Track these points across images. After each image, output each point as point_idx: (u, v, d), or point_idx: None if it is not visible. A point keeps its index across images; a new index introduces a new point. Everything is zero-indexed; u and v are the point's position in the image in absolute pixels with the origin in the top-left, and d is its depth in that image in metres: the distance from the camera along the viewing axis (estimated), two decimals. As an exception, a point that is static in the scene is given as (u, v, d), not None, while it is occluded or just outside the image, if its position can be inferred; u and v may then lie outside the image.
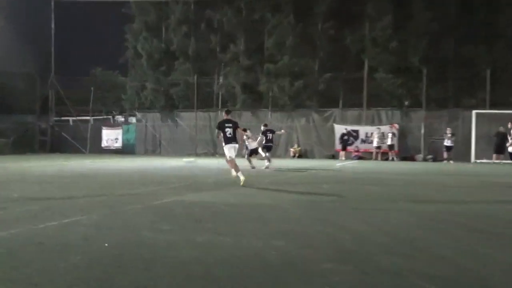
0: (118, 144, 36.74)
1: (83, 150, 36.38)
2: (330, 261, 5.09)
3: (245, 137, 20.58)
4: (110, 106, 42.42)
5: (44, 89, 37.93)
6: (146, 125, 36.43)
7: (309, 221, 7.55)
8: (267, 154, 21.06)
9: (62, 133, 37.74)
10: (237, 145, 14.14)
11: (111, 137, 37.23)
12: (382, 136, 29.85)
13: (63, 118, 40.28)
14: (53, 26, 38.44)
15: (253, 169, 19.16)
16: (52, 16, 38.23)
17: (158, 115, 36.47)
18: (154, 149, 36.05)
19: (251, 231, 6.69)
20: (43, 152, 36.12)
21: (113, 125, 38.10)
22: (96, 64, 47.70)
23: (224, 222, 7.47)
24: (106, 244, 5.76)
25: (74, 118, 39.06)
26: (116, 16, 37.74)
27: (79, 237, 6.17)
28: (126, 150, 36.02)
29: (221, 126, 14.03)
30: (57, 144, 37.71)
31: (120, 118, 39.79)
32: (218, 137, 14.39)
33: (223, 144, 14.11)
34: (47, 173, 17.62)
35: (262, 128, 21.92)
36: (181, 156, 30.58)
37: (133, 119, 38.10)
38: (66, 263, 4.97)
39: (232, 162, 13.88)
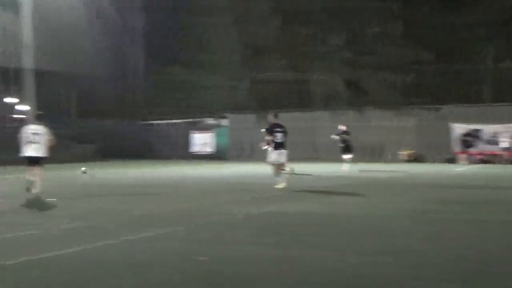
0: (210, 149, 37.54)
1: (172, 155, 37.50)
2: (451, 282, 4.91)
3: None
4: (200, 108, 43.51)
5: (131, 93, 39.61)
6: (238, 128, 36.92)
7: (420, 235, 7.33)
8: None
9: (150, 138, 39.14)
10: (286, 151, 14.64)
11: (201, 141, 38.13)
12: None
13: (150, 122, 41.82)
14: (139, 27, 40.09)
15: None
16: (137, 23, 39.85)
17: (251, 116, 36.84)
18: (247, 153, 36.48)
19: (352, 245, 6.61)
20: (130, 158, 37.64)
21: (204, 128, 38.96)
22: (182, 64, 49.21)
23: (322, 235, 7.45)
24: (201, 258, 5.91)
25: (162, 122, 40.39)
26: (201, 11, 38.64)
27: (170, 252, 6.37)
28: (217, 155, 36.67)
29: (271, 131, 14.49)
30: (144, 149, 39.10)
31: (211, 121, 40.63)
32: (267, 142, 14.80)
33: (271, 149, 14.58)
34: (134, 181, 18.38)
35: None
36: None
37: (224, 122, 38.77)
38: (157, 279, 5.14)
39: (278, 167, 14.53)
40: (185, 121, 39.87)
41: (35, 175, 13.03)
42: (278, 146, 14.45)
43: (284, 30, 36.82)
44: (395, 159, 31.25)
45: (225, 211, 9.97)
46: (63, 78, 36.30)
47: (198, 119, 39.78)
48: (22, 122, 16.00)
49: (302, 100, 35.79)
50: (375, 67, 32.88)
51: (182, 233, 7.75)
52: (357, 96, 34.21)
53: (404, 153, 31.30)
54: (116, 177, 20.76)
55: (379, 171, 21.65)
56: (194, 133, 38.53)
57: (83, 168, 21.51)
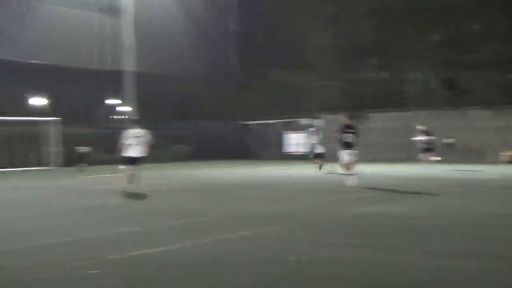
0: (303, 149, 37.67)
1: (266, 156, 37.97)
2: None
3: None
4: (293, 109, 43.67)
5: (225, 93, 40.36)
6: (332, 128, 36.77)
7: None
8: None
9: (245, 138, 39.82)
10: (356, 151, 15.59)
11: (295, 141, 38.36)
12: None
13: (245, 122, 42.41)
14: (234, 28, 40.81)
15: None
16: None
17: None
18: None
19: (440, 247, 6.64)
20: (225, 158, 38.42)
21: (297, 129, 39.14)
22: (274, 64, 49.52)
23: (411, 237, 7.54)
24: (290, 258, 6.16)
25: (256, 122, 40.89)
26: (292, 10, 38.78)
27: (263, 251, 6.68)
28: (311, 155, 36.72)
29: (342, 131, 15.47)
30: (239, 150, 39.76)
31: (304, 121, 40.69)
32: (337, 141, 15.79)
33: (341, 148, 15.48)
34: (231, 181, 18.90)
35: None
36: (370, 162, 30.43)
37: (318, 122, 38.70)
38: (246, 278, 5.43)
39: (346, 165, 15.48)
40: (279, 121, 40.23)
41: (133, 173, 14.93)
42: (348, 146, 15.41)
43: (379, 29, 36.31)
44: (496, 161, 30.07)
45: (315, 212, 10.18)
46: (161, 80, 37.59)
47: (292, 119, 39.91)
48: (124, 123, 17.05)
49: (397, 100, 35.14)
50: (475, 65, 31.75)
51: (276, 233, 8.03)
52: (455, 96, 33.17)
53: (506, 154, 30.01)
54: (213, 176, 21.42)
55: (473, 171, 20.98)
56: (288, 133, 38.85)
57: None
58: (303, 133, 38.16)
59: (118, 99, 36.50)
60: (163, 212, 10.55)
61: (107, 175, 22.53)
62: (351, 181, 15.13)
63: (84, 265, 5.99)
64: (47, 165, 28.08)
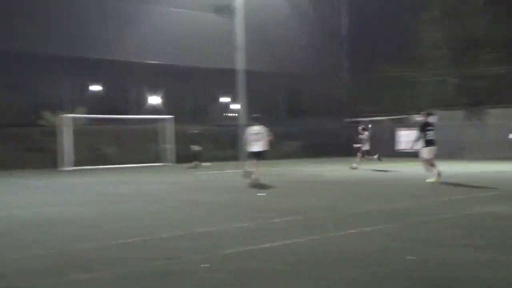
0: (416, 147, 36.65)
1: (377, 153, 37.27)
2: None
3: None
4: (405, 105, 42.62)
5: (336, 89, 40.08)
6: (447, 125, 35.53)
7: None
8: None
9: (355, 135, 39.28)
10: (436, 147, 16.52)
11: (407, 139, 37.40)
12: None
13: (356, 119, 41.92)
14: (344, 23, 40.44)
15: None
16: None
17: (459, 113, 35.26)
18: (455, 151, 34.86)
19: None
20: (335, 155, 38.18)
21: (409, 125, 38.17)
22: (386, 59, 48.51)
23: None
24: (409, 257, 5.95)
25: (367, 119, 40.30)
26: (405, 3, 37.72)
27: (377, 249, 6.49)
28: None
29: (423, 129, 16.27)
30: (349, 147, 39.36)
31: (417, 118, 39.60)
32: (416, 140, 16.78)
33: (423, 145, 16.22)
34: (342, 178, 18.72)
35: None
36: (487, 161, 29.05)
37: (431, 119, 37.56)
38: (363, 275, 5.30)
39: (429, 161, 16.14)
40: (390, 118, 39.46)
41: (255, 167, 16.08)
42: (429, 143, 16.17)
43: (498, 22, 34.55)
44: None
45: (433, 211, 9.81)
46: (272, 78, 37.95)
47: (404, 116, 38.98)
48: (247, 121, 17.80)
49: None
50: None
51: (392, 231, 7.83)
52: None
53: None
54: (324, 174, 21.31)
55: None
56: (400, 130, 37.98)
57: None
58: (415, 130, 37.14)
59: (231, 97, 37.27)
60: (277, 208, 10.57)
61: (221, 171, 23.08)
62: (432, 178, 15.74)
63: (197, 258, 6.09)
64: (161, 161, 29.15)
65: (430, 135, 16.29)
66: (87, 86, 39.42)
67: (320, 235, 7.49)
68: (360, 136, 24.73)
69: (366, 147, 24.57)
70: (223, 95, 40.59)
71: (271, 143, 16.66)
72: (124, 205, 11.78)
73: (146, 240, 7.35)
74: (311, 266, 5.71)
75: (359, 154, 24.65)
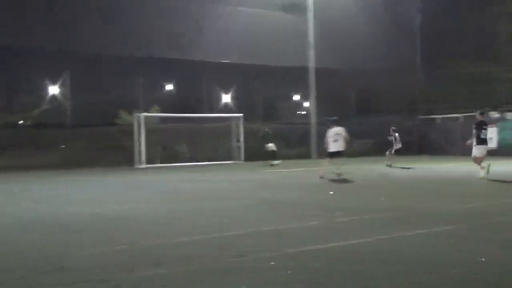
0: (493, 144, 35.38)
1: (452, 151, 36.31)
2: None
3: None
4: (484, 102, 41.25)
5: (409, 86, 39.26)
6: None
7: None
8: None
9: (429, 133, 38.40)
10: (487, 146, 17.44)
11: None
12: None
13: (430, 116, 40.94)
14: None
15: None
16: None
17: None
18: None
19: None
20: (409, 154, 37.41)
21: (487, 122, 36.89)
22: (460, 55, 47.05)
23: None
24: (483, 259, 5.81)
25: (441, 116, 39.31)
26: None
27: (455, 249, 6.36)
28: (502, 151, 34.45)
29: (478, 128, 16.70)
30: (424, 145, 38.52)
31: (495, 115, 38.28)
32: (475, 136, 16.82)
33: (474, 144, 16.71)
34: (423, 177, 18.38)
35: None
36: None
37: (510, 116, 36.21)
38: (431, 278, 5.20)
39: (478, 159, 16.61)
40: (465, 115, 38.20)
41: (337, 164, 17.62)
42: (482, 142, 16.73)
43: None
44: None
45: (502, 211, 9.50)
46: (343, 75, 37.66)
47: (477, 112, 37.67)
48: (330, 122, 18.21)
49: None
50: None
51: (462, 232, 7.64)
52: None
53: None
54: (396, 172, 20.98)
55: None
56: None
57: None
58: (492, 127, 35.89)
59: (301, 95, 37.21)
60: (345, 207, 10.51)
61: (291, 169, 23.12)
62: (482, 174, 16.18)
63: (264, 257, 6.16)
64: (232, 159, 29.41)
65: (484, 134, 16.85)
66: (161, 86, 40.41)
67: (384, 235, 7.40)
68: (390, 137, 24.97)
69: (397, 146, 25.31)
70: (294, 93, 40.59)
71: (348, 143, 18.26)
72: (194, 202, 12.01)
73: (215, 238, 7.50)
74: (379, 266, 5.66)
75: (388, 153, 25.63)
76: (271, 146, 26.91)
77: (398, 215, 9.35)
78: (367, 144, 36.53)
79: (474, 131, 16.96)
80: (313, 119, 33.34)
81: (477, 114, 17.96)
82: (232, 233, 7.83)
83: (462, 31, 38.05)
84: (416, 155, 35.45)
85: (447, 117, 38.78)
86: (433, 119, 40.64)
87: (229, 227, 8.31)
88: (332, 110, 34.73)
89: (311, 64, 34.22)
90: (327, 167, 17.69)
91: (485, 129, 17.00)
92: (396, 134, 25.55)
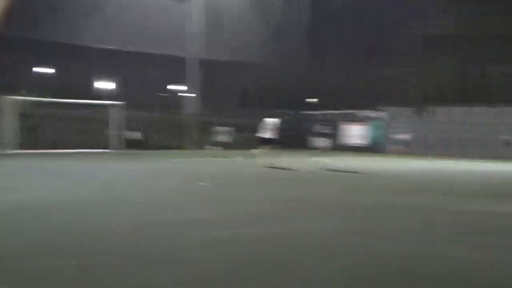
0: (363, 141, 37.12)
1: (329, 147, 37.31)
2: None
3: None
4: (358, 100, 42.87)
5: (294, 81, 39.62)
6: (396, 122, 36.00)
7: None
8: None
9: (302, 129, 39.17)
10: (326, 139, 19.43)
11: (355, 133, 37.71)
12: None
13: (307, 112, 42.02)
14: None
15: None
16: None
17: (408, 110, 35.62)
18: (403, 147, 35.24)
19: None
20: (292, 148, 38.03)
21: (359, 120, 38.46)
22: (342, 53, 48.80)
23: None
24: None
25: (317, 112, 40.44)
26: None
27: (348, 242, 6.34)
28: (371, 148, 36.15)
29: (319, 123, 19.94)
30: (305, 139, 39.26)
31: (368, 113, 40.02)
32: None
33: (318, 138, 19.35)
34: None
35: None
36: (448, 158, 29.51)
37: (381, 115, 38.01)
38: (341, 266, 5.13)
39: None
40: (339, 113, 39.40)
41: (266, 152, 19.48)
42: (320, 135, 19.62)
43: (460, 21, 35.18)
44: None
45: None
46: (232, 67, 37.60)
47: (353, 111, 39.14)
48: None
49: (479, 94, 33.57)
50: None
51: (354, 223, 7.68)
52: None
53: None
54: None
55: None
56: (348, 124, 38.08)
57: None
58: (363, 125, 37.51)
59: (183, 85, 36.68)
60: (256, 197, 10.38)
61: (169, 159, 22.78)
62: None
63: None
64: (109, 147, 28.44)
65: (321, 128, 19.81)
66: (36, 69, 38.21)
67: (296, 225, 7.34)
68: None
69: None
70: (178, 83, 39.97)
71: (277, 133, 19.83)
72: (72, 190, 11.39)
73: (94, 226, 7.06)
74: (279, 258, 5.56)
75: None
76: (134, 134, 26.06)
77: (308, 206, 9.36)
78: (247, 137, 36.48)
79: (317, 126, 19.39)
80: (193, 110, 33.07)
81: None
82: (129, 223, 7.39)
83: (350, 28, 39.30)
84: (299, 150, 36.10)
85: (323, 113, 39.76)
86: (309, 114, 41.57)
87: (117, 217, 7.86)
88: (218, 102, 34.71)
89: (194, 54, 33.90)
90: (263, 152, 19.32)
91: (325, 125, 19.97)
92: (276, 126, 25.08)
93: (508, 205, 10.37)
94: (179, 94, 38.44)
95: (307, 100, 40.28)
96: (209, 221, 7.65)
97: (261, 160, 19.26)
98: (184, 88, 36.08)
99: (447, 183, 15.00)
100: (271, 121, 20.12)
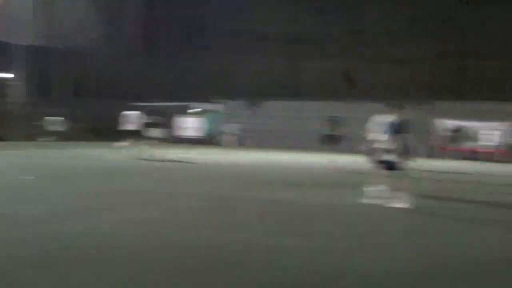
0: (199, 133, 37.50)
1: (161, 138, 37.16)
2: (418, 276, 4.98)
3: None
4: (192, 92, 43.20)
5: (127, 72, 39.06)
6: (231, 114, 36.74)
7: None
8: None
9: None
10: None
11: (191, 125, 37.96)
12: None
13: (142, 104, 41.56)
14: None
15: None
16: None
17: (243, 103, 36.57)
18: (239, 140, 36.08)
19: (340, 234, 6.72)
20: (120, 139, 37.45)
21: (195, 112, 38.74)
22: (178, 45, 48.79)
23: (305, 223, 7.57)
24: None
25: (152, 104, 40.14)
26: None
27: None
28: (207, 140, 36.57)
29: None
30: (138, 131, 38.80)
31: (203, 106, 40.51)
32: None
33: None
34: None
35: None
36: (265, 150, 30.61)
37: (217, 107, 38.66)
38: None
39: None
40: (176, 105, 39.38)
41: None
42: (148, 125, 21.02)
43: (282, 16, 36.79)
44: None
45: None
46: (58, 55, 35.99)
47: (189, 103, 39.39)
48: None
49: (294, 88, 35.63)
50: (373, 59, 32.95)
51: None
52: (350, 88, 34.23)
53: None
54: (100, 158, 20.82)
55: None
56: (184, 117, 38.27)
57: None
58: (200, 117, 37.91)
59: (8, 72, 34.54)
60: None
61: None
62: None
63: None
64: None
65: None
66: None
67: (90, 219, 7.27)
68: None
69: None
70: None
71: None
72: None
73: None
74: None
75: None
76: None
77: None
78: (81, 128, 35.41)
79: (150, 117, 21.24)
80: (19, 99, 31.35)
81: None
82: None
83: (183, 22, 39.33)
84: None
85: (157, 105, 39.55)
86: (144, 106, 41.15)
87: None
88: (46, 91, 33.07)
89: (21, 40, 32.10)
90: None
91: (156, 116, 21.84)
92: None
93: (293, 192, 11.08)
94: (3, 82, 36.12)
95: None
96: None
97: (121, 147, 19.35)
98: (10, 75, 33.89)
99: (262, 174, 15.73)
100: (132, 114, 20.83)
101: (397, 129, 9.43)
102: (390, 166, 9.39)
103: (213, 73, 39.40)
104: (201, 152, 26.23)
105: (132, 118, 19.92)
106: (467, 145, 29.66)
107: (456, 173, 18.69)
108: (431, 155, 29.09)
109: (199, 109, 19.04)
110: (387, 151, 9.39)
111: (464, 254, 6.24)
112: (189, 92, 40.20)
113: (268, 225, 7.58)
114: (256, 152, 28.30)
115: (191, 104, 38.54)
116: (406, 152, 9.53)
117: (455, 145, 29.74)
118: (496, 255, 6.29)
